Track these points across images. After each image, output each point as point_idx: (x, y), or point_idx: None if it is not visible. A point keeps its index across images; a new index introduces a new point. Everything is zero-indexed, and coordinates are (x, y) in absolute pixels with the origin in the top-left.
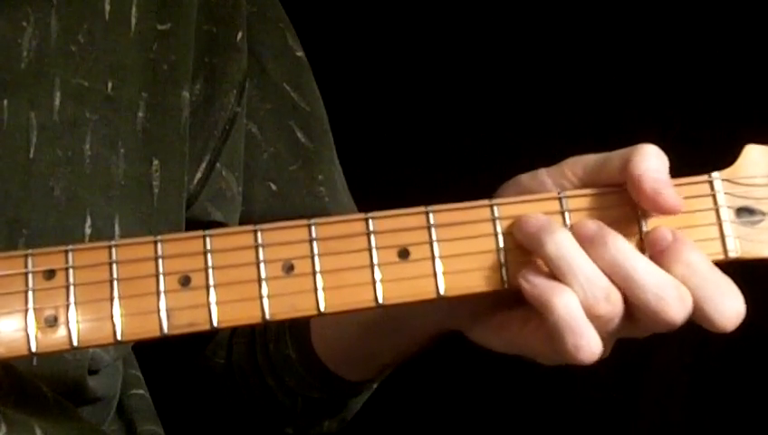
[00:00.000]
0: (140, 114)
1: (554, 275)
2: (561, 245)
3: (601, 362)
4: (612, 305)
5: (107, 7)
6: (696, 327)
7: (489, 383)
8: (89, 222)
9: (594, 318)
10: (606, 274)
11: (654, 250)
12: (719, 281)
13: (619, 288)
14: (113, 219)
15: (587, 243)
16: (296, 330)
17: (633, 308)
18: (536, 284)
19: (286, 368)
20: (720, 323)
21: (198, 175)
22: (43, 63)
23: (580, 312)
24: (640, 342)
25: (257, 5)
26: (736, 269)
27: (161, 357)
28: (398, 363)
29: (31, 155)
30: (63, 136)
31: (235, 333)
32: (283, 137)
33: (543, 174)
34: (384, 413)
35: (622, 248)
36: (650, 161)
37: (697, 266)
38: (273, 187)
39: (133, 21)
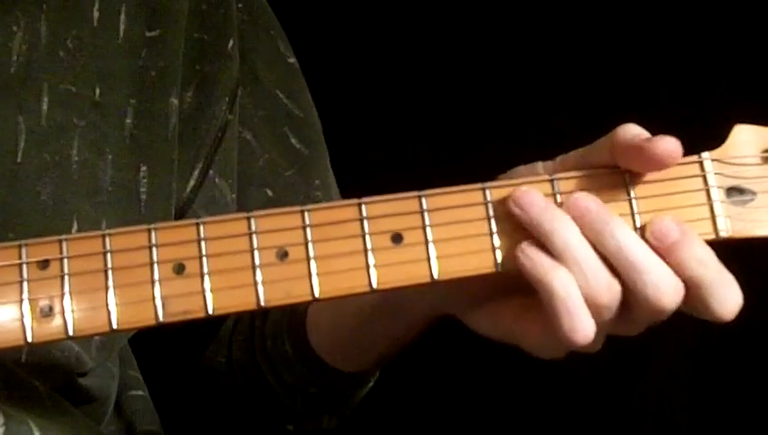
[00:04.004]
0: (128, 120)
1: (555, 257)
2: (570, 239)
3: (602, 361)
4: (613, 295)
5: (96, 14)
6: (696, 325)
7: (489, 383)
8: (75, 227)
9: (594, 307)
10: (607, 261)
11: (658, 241)
12: (722, 273)
13: (618, 274)
14: (100, 225)
15: (590, 229)
16: (292, 326)
17: (628, 295)
18: (535, 260)
19: (284, 364)
20: (721, 314)
21: (191, 182)
22: (31, 68)
23: (578, 293)
24: (640, 342)
25: (249, 13)
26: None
27: (161, 357)
28: (393, 353)
29: (18, 159)
30: (51, 141)
31: (235, 331)
32: (278, 143)
33: (539, 167)
34: (383, 411)
35: (627, 238)
36: (635, 129)
37: (704, 258)
38: (270, 193)
39: (122, 27)
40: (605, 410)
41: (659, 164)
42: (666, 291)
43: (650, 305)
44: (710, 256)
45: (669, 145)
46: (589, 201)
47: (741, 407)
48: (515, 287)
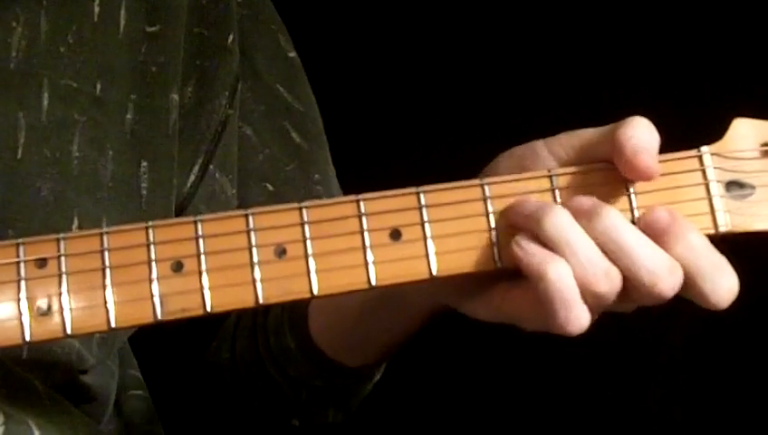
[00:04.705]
0: (129, 116)
1: (551, 249)
2: (560, 223)
3: (602, 359)
4: (612, 282)
5: (96, 9)
6: (697, 324)
7: (491, 380)
8: (76, 223)
9: (592, 295)
10: (600, 248)
11: (651, 230)
12: (715, 259)
13: (614, 262)
14: (101, 221)
15: (582, 217)
16: (294, 320)
17: (625, 282)
18: (531, 251)
19: (287, 359)
20: (715, 301)
21: (191, 178)
22: (31, 64)
23: (573, 284)
24: (642, 338)
25: (249, 8)
26: (734, 248)
27: (161, 357)
28: (395, 346)
29: (18, 155)
30: (51, 137)
31: (238, 326)
32: (278, 138)
33: (539, 145)
34: (388, 406)
35: (616, 221)
36: (636, 130)
37: (696, 245)
38: (270, 187)
39: (122, 23)
40: (605, 408)
41: (638, 176)
42: (661, 274)
43: (648, 290)
44: (702, 241)
45: (651, 166)
46: (583, 198)
47: (741, 407)
48: (504, 272)
